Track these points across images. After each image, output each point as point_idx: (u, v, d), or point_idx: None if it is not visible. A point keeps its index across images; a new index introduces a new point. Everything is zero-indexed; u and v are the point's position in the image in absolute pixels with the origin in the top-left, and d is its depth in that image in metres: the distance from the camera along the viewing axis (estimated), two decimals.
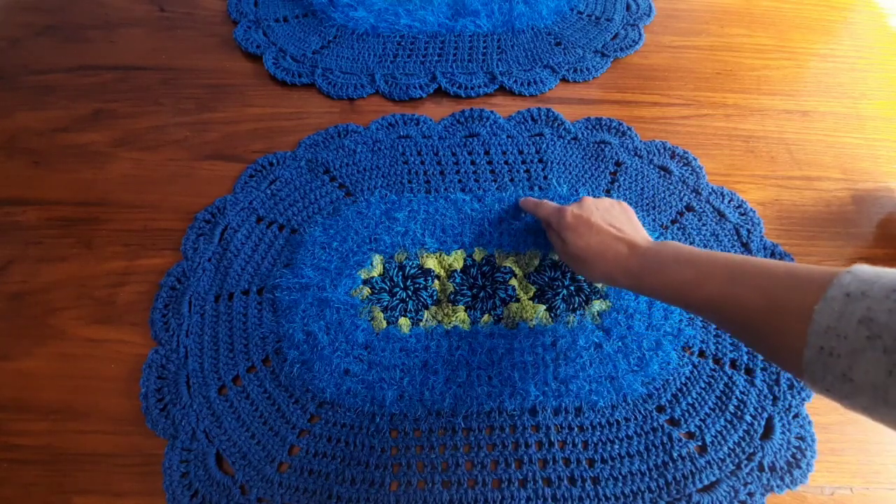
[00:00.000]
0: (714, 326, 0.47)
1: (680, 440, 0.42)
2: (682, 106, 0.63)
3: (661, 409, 0.44)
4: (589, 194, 0.54)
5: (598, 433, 0.43)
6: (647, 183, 0.56)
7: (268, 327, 0.47)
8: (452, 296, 0.48)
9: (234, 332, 0.47)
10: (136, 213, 0.54)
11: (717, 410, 0.44)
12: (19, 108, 0.62)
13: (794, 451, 0.42)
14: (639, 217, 0.52)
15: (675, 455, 0.42)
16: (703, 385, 0.45)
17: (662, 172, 0.56)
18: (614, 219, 0.43)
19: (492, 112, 0.61)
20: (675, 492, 0.41)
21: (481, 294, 0.48)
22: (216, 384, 0.45)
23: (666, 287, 0.36)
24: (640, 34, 0.68)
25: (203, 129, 0.61)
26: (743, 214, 0.54)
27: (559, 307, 0.47)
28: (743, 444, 0.42)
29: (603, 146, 0.58)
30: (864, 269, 0.26)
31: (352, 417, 0.43)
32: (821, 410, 0.44)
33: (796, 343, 0.27)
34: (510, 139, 0.58)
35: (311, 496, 0.41)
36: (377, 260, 0.50)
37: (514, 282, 0.49)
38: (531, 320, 0.47)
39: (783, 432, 0.42)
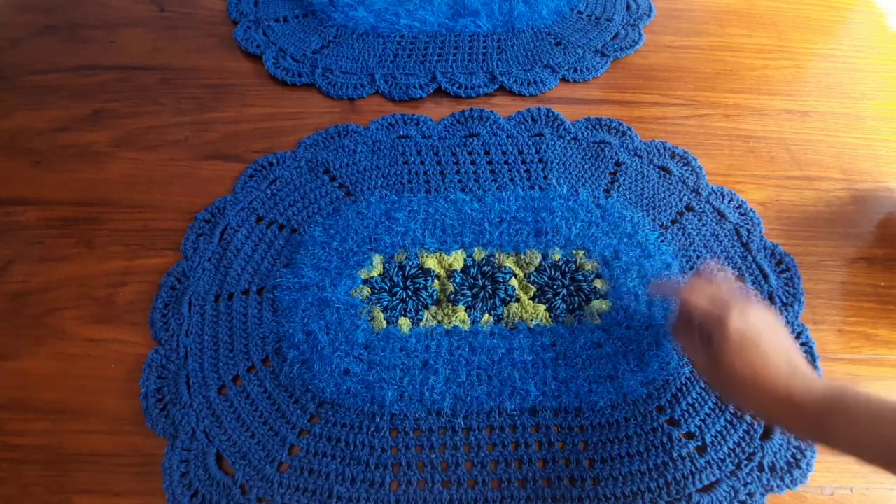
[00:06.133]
0: None
1: (680, 440, 0.42)
2: (682, 106, 0.63)
3: (661, 409, 0.44)
4: (589, 194, 0.54)
5: (598, 433, 0.43)
6: (647, 183, 0.56)
7: (268, 327, 0.47)
8: (452, 296, 0.48)
9: (234, 332, 0.47)
10: (136, 213, 0.54)
11: (716, 410, 0.44)
12: (19, 108, 0.62)
13: (794, 451, 0.42)
14: (639, 217, 0.53)
15: (675, 455, 0.42)
16: (703, 385, 0.45)
17: (662, 172, 0.56)
18: (779, 337, 0.35)
19: (492, 112, 0.61)
20: (675, 492, 0.41)
21: (481, 294, 0.48)
22: (216, 384, 0.45)
23: (868, 446, 0.30)
24: (640, 34, 0.68)
25: (203, 129, 0.61)
26: (743, 214, 0.54)
27: (559, 307, 0.47)
28: (743, 444, 0.42)
29: (603, 146, 0.58)
30: None
31: (352, 417, 0.43)
32: None
33: None
34: (510, 139, 0.58)
35: (311, 496, 0.41)
36: (377, 260, 0.50)
37: (514, 282, 0.49)
38: (531, 320, 0.47)
39: (783, 432, 0.42)
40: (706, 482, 0.41)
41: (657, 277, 0.48)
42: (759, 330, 0.35)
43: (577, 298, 0.48)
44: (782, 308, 0.48)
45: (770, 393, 0.33)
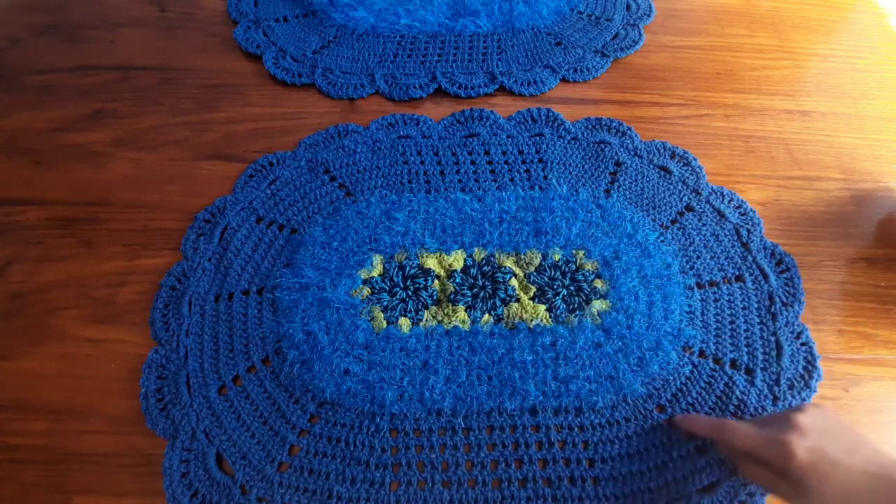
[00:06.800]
0: (714, 326, 0.47)
1: (680, 440, 0.42)
2: (682, 106, 0.63)
3: (661, 408, 0.44)
4: (589, 194, 0.54)
5: (598, 433, 0.43)
6: (647, 183, 0.56)
7: (268, 327, 0.47)
8: (452, 296, 0.48)
9: (234, 332, 0.47)
10: (136, 213, 0.54)
11: (716, 410, 0.44)
12: (19, 108, 0.62)
13: None
14: (639, 217, 0.53)
15: (675, 455, 0.42)
16: (703, 385, 0.45)
17: (662, 172, 0.56)
18: (849, 437, 0.34)
19: (492, 112, 0.61)
20: (675, 492, 0.41)
21: (481, 294, 0.48)
22: (216, 384, 0.45)
23: None
24: (640, 34, 0.68)
25: (203, 129, 0.61)
26: (743, 214, 0.54)
27: (559, 307, 0.47)
28: None
29: (603, 146, 0.58)
30: None
31: (352, 417, 0.43)
32: None
33: None
34: (510, 139, 0.58)
35: (311, 496, 0.41)
36: (377, 260, 0.50)
37: (514, 282, 0.49)
38: (531, 320, 0.47)
39: None
40: (706, 482, 0.41)
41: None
42: (827, 441, 0.33)
43: (577, 298, 0.48)
44: (782, 308, 0.48)
45: (867, 497, 0.31)
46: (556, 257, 0.50)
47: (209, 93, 0.63)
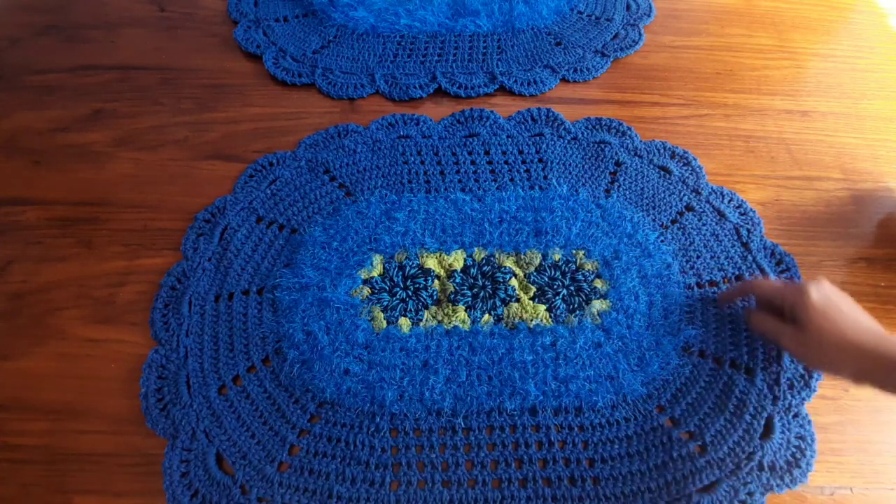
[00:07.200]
0: (714, 326, 0.47)
1: (680, 440, 0.42)
2: (682, 106, 0.63)
3: (661, 408, 0.44)
4: (589, 194, 0.54)
5: (598, 433, 0.43)
6: (647, 183, 0.56)
7: (268, 327, 0.47)
8: (452, 296, 0.48)
9: (234, 332, 0.47)
10: (136, 213, 0.54)
11: (716, 410, 0.44)
12: (19, 108, 0.62)
13: (794, 450, 0.42)
14: (639, 217, 0.53)
15: (675, 455, 0.42)
16: (702, 385, 0.45)
17: (662, 172, 0.56)
18: (857, 308, 0.39)
19: (492, 112, 0.61)
20: (675, 492, 0.41)
21: (481, 294, 0.48)
22: (216, 384, 0.45)
23: None
24: (640, 34, 0.68)
25: (203, 129, 0.61)
26: (743, 214, 0.54)
27: (559, 307, 0.47)
28: (743, 443, 0.42)
29: (603, 146, 0.58)
30: None
31: (352, 417, 0.43)
32: (821, 410, 0.44)
33: None
34: (510, 139, 0.58)
35: (311, 496, 0.41)
36: (377, 260, 0.50)
37: (514, 282, 0.49)
38: (531, 320, 0.47)
39: (783, 432, 0.42)
40: (706, 482, 0.41)
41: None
42: (838, 298, 0.39)
43: (577, 298, 0.48)
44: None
45: (860, 351, 0.36)
46: (556, 257, 0.50)
47: (209, 93, 0.63)
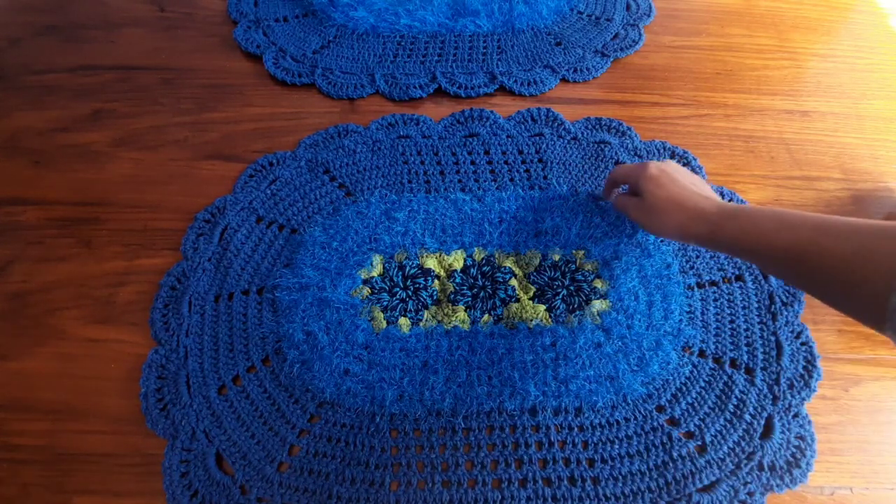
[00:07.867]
0: (714, 326, 0.47)
1: (680, 440, 0.42)
2: (682, 106, 0.63)
3: (660, 408, 0.44)
4: (589, 194, 0.54)
5: (598, 433, 0.43)
6: None
7: (268, 327, 0.47)
8: (452, 296, 0.48)
9: (234, 332, 0.47)
10: (136, 213, 0.54)
11: (716, 410, 0.44)
12: (19, 108, 0.62)
13: (794, 450, 0.42)
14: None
15: (674, 455, 0.42)
16: (702, 385, 0.45)
17: None
18: (695, 179, 0.45)
19: (492, 112, 0.61)
20: (675, 492, 0.41)
21: (481, 294, 0.48)
22: (216, 384, 0.45)
23: (746, 234, 0.37)
24: (640, 34, 0.68)
25: (203, 129, 0.61)
26: None
27: (559, 307, 0.47)
28: (743, 443, 0.42)
29: (603, 146, 0.58)
30: None
31: (352, 417, 0.43)
32: (821, 410, 0.44)
33: (881, 290, 0.28)
34: (510, 139, 0.58)
35: (311, 496, 0.41)
36: (377, 260, 0.50)
37: (514, 282, 0.49)
38: (531, 320, 0.47)
39: (783, 432, 0.42)
40: (706, 482, 0.41)
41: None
42: (674, 170, 0.44)
43: (577, 298, 0.48)
44: (782, 307, 0.48)
45: (683, 209, 0.41)
46: (556, 257, 0.50)
47: (209, 93, 0.63)
